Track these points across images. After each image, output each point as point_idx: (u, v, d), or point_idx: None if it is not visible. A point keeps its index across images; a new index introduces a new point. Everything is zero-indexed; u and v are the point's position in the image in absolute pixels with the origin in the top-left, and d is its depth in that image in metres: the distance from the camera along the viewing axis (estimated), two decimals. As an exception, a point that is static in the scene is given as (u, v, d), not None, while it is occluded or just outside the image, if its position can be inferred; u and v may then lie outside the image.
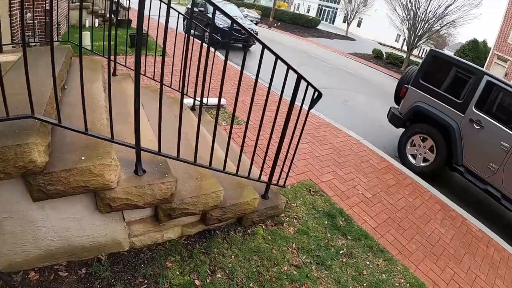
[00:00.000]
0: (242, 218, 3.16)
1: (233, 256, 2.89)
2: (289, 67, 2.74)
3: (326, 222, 3.64)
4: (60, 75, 2.86)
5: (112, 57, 2.62)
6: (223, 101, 6.00)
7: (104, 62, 4.17)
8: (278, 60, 2.58)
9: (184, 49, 2.38)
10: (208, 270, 2.71)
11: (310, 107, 3.18)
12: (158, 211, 2.57)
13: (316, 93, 3.07)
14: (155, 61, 4.58)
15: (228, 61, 3.06)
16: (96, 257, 2.63)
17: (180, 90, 2.84)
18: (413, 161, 6.17)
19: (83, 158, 2.11)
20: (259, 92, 7.05)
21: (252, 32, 2.50)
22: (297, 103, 2.99)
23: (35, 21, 6.65)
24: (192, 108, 4.54)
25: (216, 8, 2.21)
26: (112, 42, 5.75)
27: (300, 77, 2.86)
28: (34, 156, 1.87)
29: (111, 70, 2.49)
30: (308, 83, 2.97)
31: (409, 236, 3.93)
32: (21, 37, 1.80)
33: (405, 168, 5.96)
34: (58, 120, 2.03)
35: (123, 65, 4.54)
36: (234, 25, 2.40)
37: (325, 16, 50.20)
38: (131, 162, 2.39)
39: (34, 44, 5.72)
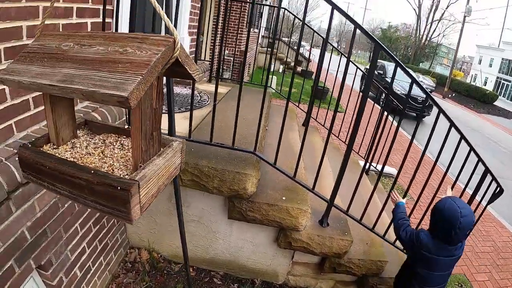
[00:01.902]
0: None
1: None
2: (478, 156, 2.68)
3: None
4: (266, 117, 3.32)
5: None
6: (393, 170, 5.95)
7: (297, 111, 4.64)
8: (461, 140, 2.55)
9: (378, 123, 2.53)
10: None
11: (489, 202, 2.99)
12: (326, 262, 2.69)
13: (498, 188, 2.89)
14: (334, 117, 4.82)
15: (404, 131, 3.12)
16: (251, 279, 2.88)
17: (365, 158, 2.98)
18: None
19: (284, 198, 2.39)
20: (438, 170, 6.73)
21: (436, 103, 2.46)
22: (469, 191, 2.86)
23: (231, 58, 7.72)
24: (366, 172, 4.63)
25: (413, 81, 2.34)
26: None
27: (487, 171, 2.74)
28: (248, 185, 2.23)
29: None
30: (494, 178, 2.82)
31: None
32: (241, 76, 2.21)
33: None
34: (274, 162, 2.38)
35: (314, 119, 4.90)
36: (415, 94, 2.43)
37: (503, 91, 44.95)
38: (317, 211, 2.60)
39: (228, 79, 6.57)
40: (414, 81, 2.36)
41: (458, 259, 2.23)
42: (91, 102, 2.22)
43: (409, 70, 2.38)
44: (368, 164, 4.43)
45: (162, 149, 1.00)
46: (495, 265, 4.63)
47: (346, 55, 2.36)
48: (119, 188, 0.79)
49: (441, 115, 2.43)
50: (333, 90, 6.55)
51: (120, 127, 1.15)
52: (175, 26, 1.88)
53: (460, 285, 3.88)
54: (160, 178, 0.94)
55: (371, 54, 2.38)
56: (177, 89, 3.73)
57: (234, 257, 2.80)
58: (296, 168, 2.41)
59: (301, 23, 2.24)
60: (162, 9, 0.87)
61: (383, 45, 2.17)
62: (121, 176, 0.89)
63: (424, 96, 14.35)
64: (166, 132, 1.70)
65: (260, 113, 2.27)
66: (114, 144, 1.07)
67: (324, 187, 2.83)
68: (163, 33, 2.34)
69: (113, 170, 0.92)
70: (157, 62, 0.76)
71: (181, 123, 2.65)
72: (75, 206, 1.98)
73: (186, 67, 0.90)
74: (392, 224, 2.37)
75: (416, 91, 10.61)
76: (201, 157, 2.27)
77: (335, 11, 2.03)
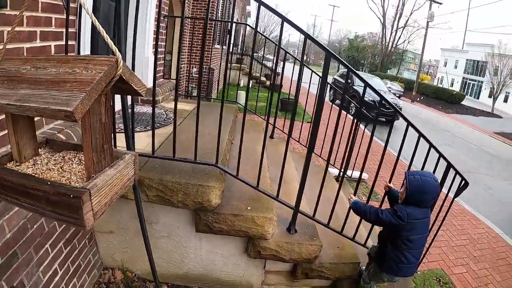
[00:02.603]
0: (369, 294, 3.13)
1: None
2: (438, 152, 2.80)
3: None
4: (230, 131, 3.37)
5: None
6: (365, 175, 6.06)
7: (265, 124, 4.71)
8: (421, 139, 2.70)
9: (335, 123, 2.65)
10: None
11: (455, 195, 3.11)
12: (298, 268, 2.74)
13: (463, 181, 3.01)
14: (301, 127, 4.95)
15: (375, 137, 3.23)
16: (225, 291, 2.89)
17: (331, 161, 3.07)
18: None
19: (249, 208, 2.46)
20: (400, 170, 6.92)
21: (397, 108, 2.71)
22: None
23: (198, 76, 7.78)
24: (337, 179, 4.74)
25: (366, 85, 2.50)
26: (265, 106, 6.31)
27: (449, 165, 2.87)
28: (211, 197, 2.28)
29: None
30: (457, 172, 2.95)
31: None
32: (198, 93, 2.27)
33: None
34: (237, 173, 2.44)
35: (280, 130, 5.00)
36: (379, 99, 2.62)
37: (469, 91, 46.59)
38: (284, 219, 2.67)
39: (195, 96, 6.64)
40: (367, 85, 2.53)
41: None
42: (57, 124, 2.31)
43: (376, 78, 2.53)
44: (340, 171, 4.51)
45: (115, 161, 1.08)
46: (472, 257, 4.77)
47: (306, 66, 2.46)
48: (71, 196, 0.87)
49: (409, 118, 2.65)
50: (296, 99, 6.65)
51: (79, 144, 1.24)
52: (134, 46, 1.97)
53: (438, 279, 3.97)
54: (112, 187, 1.02)
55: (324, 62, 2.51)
56: (143, 108, 3.75)
57: (207, 271, 2.81)
58: (258, 177, 2.48)
59: (269, 37, 2.32)
60: (116, 31, 0.95)
61: (333, 53, 2.33)
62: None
63: (393, 100, 14.93)
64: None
65: (219, 127, 2.33)
66: (73, 160, 1.16)
67: (291, 195, 2.87)
68: (129, 52, 2.43)
69: (70, 183, 1.00)
70: (100, 80, 0.86)
71: (146, 141, 2.70)
72: (44, 227, 2.00)
73: (132, 84, 1.00)
74: (365, 215, 2.53)
75: (385, 97, 10.80)
76: (166, 173, 2.32)
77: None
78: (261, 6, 2.07)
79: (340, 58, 2.43)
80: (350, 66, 2.48)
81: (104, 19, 3.09)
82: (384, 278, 2.70)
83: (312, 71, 4.84)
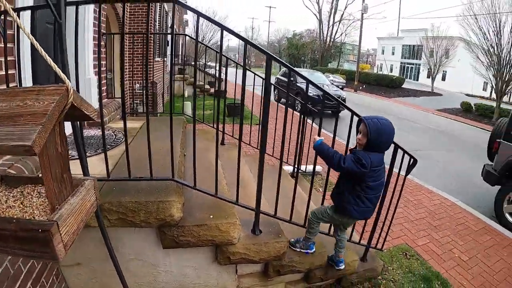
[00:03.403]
0: (342, 279, 3.24)
1: (332, 316, 2.98)
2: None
3: (423, 285, 3.57)
4: (182, 143, 3.37)
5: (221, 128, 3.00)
6: (318, 168, 6.21)
7: (213, 132, 4.73)
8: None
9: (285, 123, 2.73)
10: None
11: (406, 173, 3.30)
12: (269, 267, 2.79)
13: (412, 159, 3.20)
14: (251, 130, 5.01)
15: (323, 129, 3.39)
16: (204, 303, 2.89)
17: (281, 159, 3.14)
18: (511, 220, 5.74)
19: (211, 216, 2.47)
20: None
21: (340, 100, 2.87)
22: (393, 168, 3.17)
23: (143, 91, 7.67)
24: (292, 175, 4.83)
25: (308, 82, 2.60)
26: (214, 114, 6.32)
27: (397, 146, 3.02)
28: (173, 211, 2.27)
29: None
30: (404, 151, 3.10)
31: None
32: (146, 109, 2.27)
33: (503, 228, 5.53)
34: (194, 184, 2.45)
35: (230, 135, 5.05)
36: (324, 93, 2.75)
37: (408, 74, 49.23)
38: (247, 221, 2.71)
39: (143, 112, 6.54)
40: (308, 82, 2.64)
41: None
42: (6, 159, 2.20)
43: (318, 73, 2.62)
44: (294, 168, 4.61)
45: (75, 189, 1.07)
46: (432, 227, 5.07)
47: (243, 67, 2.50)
48: (40, 230, 0.86)
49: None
50: (242, 103, 6.73)
51: (34, 176, 1.23)
52: (77, 69, 1.92)
53: (404, 253, 4.17)
54: (77, 215, 1.01)
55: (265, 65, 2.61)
56: (91, 132, 3.64)
57: (182, 286, 2.78)
58: (216, 185, 2.52)
59: (209, 43, 2.35)
60: (58, 55, 0.94)
61: (273, 55, 2.41)
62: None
63: (337, 92, 15.47)
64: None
65: (171, 141, 2.33)
66: (32, 193, 1.14)
67: (251, 197, 2.90)
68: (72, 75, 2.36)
69: (34, 217, 0.99)
70: (54, 110, 0.86)
71: (100, 165, 2.62)
72: (9, 269, 1.91)
73: (83, 110, 1.00)
74: (327, 159, 2.50)
75: (329, 89, 11.14)
76: (124, 194, 2.27)
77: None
78: (199, 18, 2.10)
79: (281, 60, 2.54)
80: (291, 66, 2.58)
81: (41, 42, 2.94)
82: (342, 219, 2.77)
83: (255, 74, 4.92)
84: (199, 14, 2.09)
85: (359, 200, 2.56)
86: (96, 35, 3.88)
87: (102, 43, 4.37)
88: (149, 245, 2.55)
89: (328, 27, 48.52)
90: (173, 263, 2.67)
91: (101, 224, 1.75)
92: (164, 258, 2.63)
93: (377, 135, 2.38)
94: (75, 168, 1.72)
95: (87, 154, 2.60)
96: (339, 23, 48.58)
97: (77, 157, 1.79)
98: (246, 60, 2.48)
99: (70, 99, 0.91)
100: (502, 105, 21.42)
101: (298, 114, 5.40)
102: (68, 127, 1.74)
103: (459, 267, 4.12)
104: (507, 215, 5.79)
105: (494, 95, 23.04)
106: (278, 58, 2.46)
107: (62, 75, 0.94)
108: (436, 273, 3.85)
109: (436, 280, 3.70)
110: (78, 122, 1.71)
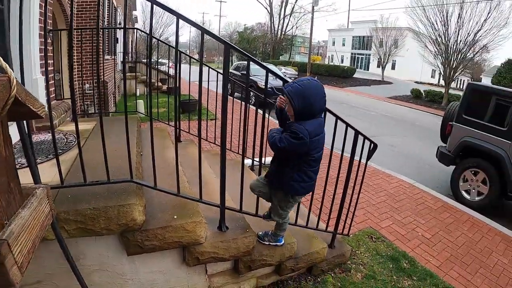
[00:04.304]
0: (312, 268, 3.24)
1: (306, 305, 2.98)
2: (345, 122, 2.96)
3: (391, 265, 3.67)
4: (137, 143, 3.22)
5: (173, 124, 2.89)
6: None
7: (168, 129, 4.63)
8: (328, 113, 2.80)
9: (243, 115, 2.67)
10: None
11: (368, 158, 3.35)
12: (239, 263, 2.73)
13: (372, 144, 3.26)
14: (207, 125, 4.94)
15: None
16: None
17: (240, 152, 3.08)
18: (467, 196, 6.05)
19: (175, 216, 2.36)
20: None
21: None
22: (346, 154, 3.23)
23: (94, 91, 7.35)
24: (251, 168, 4.78)
25: (268, 71, 2.61)
26: (166, 111, 6.18)
27: (357, 132, 3.06)
28: (135, 215, 2.13)
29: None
30: (365, 137, 3.15)
31: (473, 270, 3.88)
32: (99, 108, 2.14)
33: (461, 204, 5.86)
34: (154, 184, 2.34)
35: (186, 132, 4.93)
36: (276, 84, 2.69)
37: (359, 64, 50.78)
38: (213, 219, 2.62)
39: (94, 113, 6.25)
40: (267, 70, 2.63)
41: None
42: None
43: (271, 65, 2.57)
44: (253, 161, 4.62)
45: (26, 200, 0.92)
46: (393, 209, 5.25)
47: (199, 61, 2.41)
48: None
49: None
50: (200, 99, 6.61)
51: None
52: (22, 66, 1.71)
53: (370, 236, 4.28)
54: (31, 230, 0.87)
55: (223, 55, 2.52)
56: (40, 137, 3.40)
57: (150, 293, 2.65)
58: (177, 183, 2.41)
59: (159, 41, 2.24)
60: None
61: (231, 44, 2.33)
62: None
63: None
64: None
65: (127, 141, 2.18)
66: None
67: (214, 193, 2.82)
68: (17, 75, 2.11)
69: None
70: None
71: (52, 171, 2.43)
72: None
73: (29, 105, 0.84)
74: (269, 141, 2.33)
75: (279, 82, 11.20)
76: (80, 201, 2.10)
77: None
78: (153, 7, 1.99)
79: (239, 48, 2.45)
80: (250, 55, 2.49)
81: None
82: (291, 199, 2.59)
83: (210, 67, 4.85)
84: (153, 2, 1.98)
85: (305, 175, 2.38)
86: (42, 32, 3.60)
87: (49, 40, 4.08)
88: (112, 253, 2.39)
89: (279, 20, 48.94)
90: (140, 270, 2.52)
91: (58, 236, 1.60)
92: (129, 266, 2.47)
93: (302, 99, 2.15)
94: (24, 177, 1.57)
95: (37, 160, 2.41)
96: (290, 16, 49.10)
97: (26, 164, 1.63)
98: (196, 56, 2.37)
99: (14, 92, 0.75)
100: (450, 91, 22.78)
101: (253, 107, 5.34)
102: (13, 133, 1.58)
103: (424, 245, 4.29)
104: (463, 192, 6.12)
105: (442, 82, 24.38)
106: (237, 47, 2.39)
107: (3, 62, 0.78)
108: (402, 252, 3.98)
109: (404, 259, 3.83)
110: (24, 122, 1.51)
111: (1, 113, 0.75)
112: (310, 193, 2.70)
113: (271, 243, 2.82)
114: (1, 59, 0.80)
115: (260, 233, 2.85)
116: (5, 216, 0.81)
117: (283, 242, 2.86)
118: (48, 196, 1.02)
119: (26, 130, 1.57)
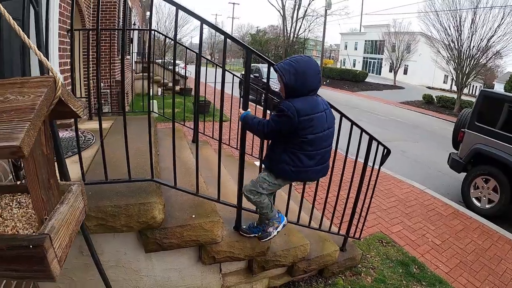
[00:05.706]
0: (324, 270, 3.27)
1: (317, 307, 3.01)
2: (360, 128, 3.01)
3: (401, 270, 3.68)
4: (154, 143, 3.28)
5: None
6: None
7: (184, 129, 4.68)
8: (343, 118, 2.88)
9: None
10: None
11: (381, 164, 3.37)
12: (253, 263, 2.76)
13: (385, 150, 3.28)
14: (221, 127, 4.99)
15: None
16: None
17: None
18: (478, 204, 6.00)
19: (193, 216, 2.40)
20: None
21: None
22: (360, 160, 3.23)
23: (108, 91, 7.44)
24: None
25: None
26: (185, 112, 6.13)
27: (371, 138, 3.10)
28: (155, 213, 2.18)
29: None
30: (379, 142, 3.19)
31: (481, 278, 3.86)
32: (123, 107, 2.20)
33: (471, 212, 5.81)
34: (174, 183, 2.39)
35: (201, 133, 4.96)
36: None
37: (371, 68, 50.50)
38: (229, 219, 2.67)
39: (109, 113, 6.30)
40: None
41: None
42: None
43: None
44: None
45: (62, 196, 0.96)
46: (404, 214, 5.23)
47: (221, 66, 2.45)
48: (31, 246, 0.75)
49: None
50: (214, 102, 6.71)
51: (11, 184, 1.10)
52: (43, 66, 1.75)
53: (380, 241, 4.28)
54: (69, 225, 0.90)
55: (245, 59, 2.48)
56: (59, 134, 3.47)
57: (164, 289, 2.70)
58: (197, 183, 2.46)
59: (173, 42, 2.28)
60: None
61: (254, 50, 2.36)
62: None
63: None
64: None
65: (149, 140, 2.28)
66: (11, 204, 1.00)
67: (229, 194, 2.87)
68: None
69: (17, 232, 0.87)
70: (42, 105, 0.74)
71: (72, 168, 2.45)
72: None
73: (70, 105, 0.88)
74: (252, 130, 2.29)
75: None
76: (102, 198, 2.15)
77: (204, 25, 2.14)
78: (178, 12, 2.06)
79: (261, 54, 2.48)
80: (270, 61, 2.42)
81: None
82: (275, 181, 2.37)
83: (227, 70, 4.86)
84: (178, 7, 2.04)
85: (295, 157, 2.17)
86: (62, 32, 3.69)
87: (67, 39, 4.16)
88: (130, 250, 2.44)
89: (292, 23, 48.79)
90: (156, 267, 2.57)
91: (85, 232, 1.64)
92: (146, 263, 2.53)
93: (294, 75, 2.04)
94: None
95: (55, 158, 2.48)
96: (303, 19, 48.90)
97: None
98: (210, 57, 2.43)
99: (59, 93, 0.79)
100: (463, 97, 22.52)
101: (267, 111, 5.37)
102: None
103: (433, 251, 4.28)
104: (474, 200, 6.07)
105: (454, 88, 24.07)
106: (259, 53, 2.40)
107: (49, 65, 0.82)
108: (412, 257, 3.98)
109: (413, 264, 3.83)
110: (55, 121, 1.56)
111: (47, 112, 0.78)
112: (320, 195, 2.68)
113: (250, 235, 2.62)
114: (48, 62, 0.84)
115: (245, 226, 2.66)
116: (45, 211, 0.85)
117: (284, 220, 2.62)
118: (83, 193, 1.05)
119: (56, 129, 1.63)
